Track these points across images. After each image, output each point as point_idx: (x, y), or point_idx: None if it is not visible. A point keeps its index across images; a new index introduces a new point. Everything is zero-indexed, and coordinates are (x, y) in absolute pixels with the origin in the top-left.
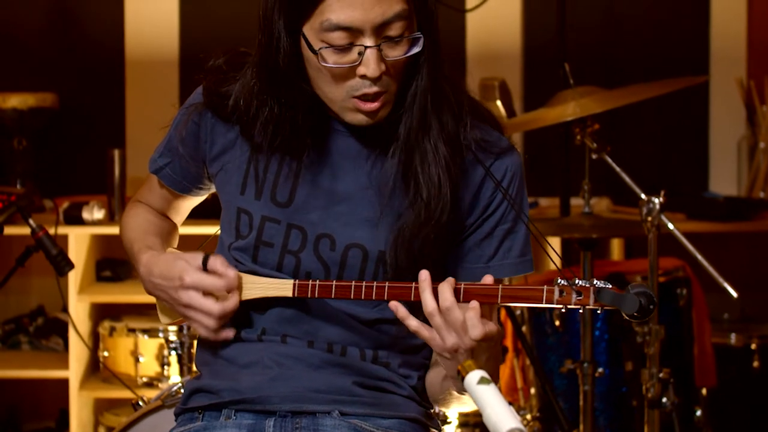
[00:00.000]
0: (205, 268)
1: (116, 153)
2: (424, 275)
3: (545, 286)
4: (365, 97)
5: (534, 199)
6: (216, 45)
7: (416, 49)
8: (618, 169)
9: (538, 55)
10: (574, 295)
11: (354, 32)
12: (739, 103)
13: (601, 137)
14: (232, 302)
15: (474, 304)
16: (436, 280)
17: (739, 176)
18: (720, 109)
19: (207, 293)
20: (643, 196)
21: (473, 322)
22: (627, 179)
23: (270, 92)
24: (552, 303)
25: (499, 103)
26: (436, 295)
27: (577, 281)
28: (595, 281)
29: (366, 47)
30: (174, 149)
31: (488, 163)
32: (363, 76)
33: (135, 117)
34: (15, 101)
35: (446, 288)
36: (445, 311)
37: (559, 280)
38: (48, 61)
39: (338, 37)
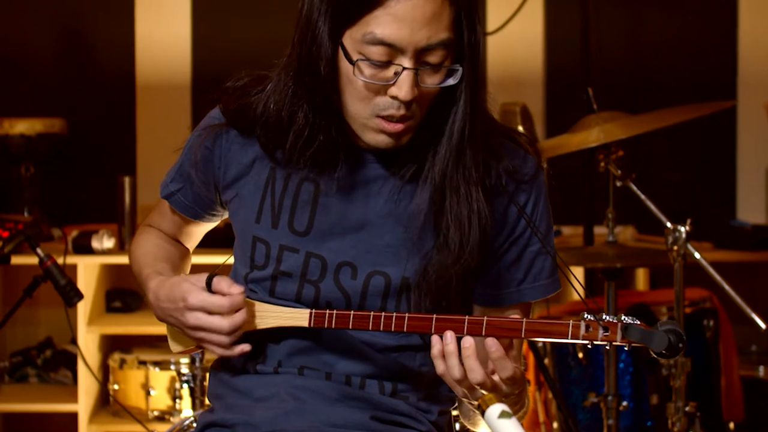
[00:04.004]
0: (210, 288)
1: (127, 180)
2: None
3: (571, 321)
4: (390, 118)
5: (557, 228)
6: (229, 69)
7: (452, 81)
8: (643, 196)
9: (560, 80)
10: (600, 331)
11: (395, 50)
12: (767, 129)
13: (625, 164)
14: (240, 317)
15: (492, 345)
16: (459, 311)
17: (767, 204)
18: (748, 135)
19: (213, 313)
20: (668, 224)
21: (502, 364)
22: (652, 207)
23: (307, 98)
24: (578, 338)
25: (520, 128)
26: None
27: (604, 316)
28: (623, 317)
29: (404, 68)
30: (186, 174)
31: (511, 187)
32: (394, 97)
33: (146, 143)
34: (22, 127)
35: (449, 333)
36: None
37: (585, 315)
38: (56, 86)
39: (378, 52)
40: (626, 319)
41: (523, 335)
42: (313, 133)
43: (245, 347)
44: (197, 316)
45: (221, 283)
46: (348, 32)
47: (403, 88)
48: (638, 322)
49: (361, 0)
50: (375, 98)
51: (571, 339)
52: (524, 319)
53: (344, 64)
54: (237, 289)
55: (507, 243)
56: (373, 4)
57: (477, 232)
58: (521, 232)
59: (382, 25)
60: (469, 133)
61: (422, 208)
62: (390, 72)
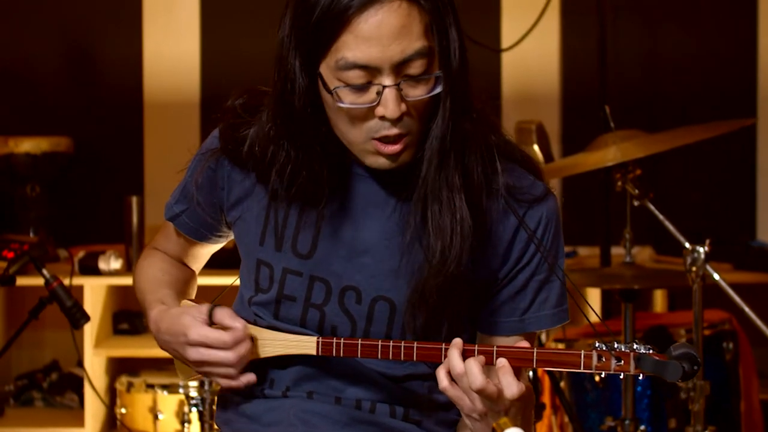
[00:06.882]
0: (211, 321)
1: (134, 200)
2: (459, 341)
3: (583, 351)
4: (386, 139)
5: (573, 248)
6: (238, 86)
7: (440, 89)
8: (661, 216)
9: (577, 97)
10: (613, 361)
11: (371, 71)
12: None
13: (643, 183)
14: (245, 347)
15: (502, 362)
16: (457, 335)
17: None
18: None
19: (215, 348)
20: (687, 245)
21: (508, 380)
22: (670, 227)
23: (286, 136)
24: (590, 369)
25: (536, 147)
26: (465, 357)
27: (616, 345)
28: (635, 346)
29: (384, 87)
30: (190, 196)
31: (521, 211)
32: (382, 117)
33: (154, 162)
34: (28, 145)
35: (455, 354)
36: (456, 377)
37: (597, 345)
38: (62, 104)
39: (355, 76)
40: (639, 348)
41: (534, 365)
42: (296, 170)
43: (251, 377)
44: (199, 351)
45: (223, 315)
46: (323, 62)
47: (388, 107)
48: (651, 351)
49: (327, 28)
50: (366, 122)
51: (584, 369)
52: (535, 349)
53: (327, 94)
54: (239, 323)
55: (514, 270)
56: (339, 29)
57: (459, 241)
58: (529, 259)
59: (352, 48)
60: (451, 138)
61: (412, 221)
62: (372, 93)
